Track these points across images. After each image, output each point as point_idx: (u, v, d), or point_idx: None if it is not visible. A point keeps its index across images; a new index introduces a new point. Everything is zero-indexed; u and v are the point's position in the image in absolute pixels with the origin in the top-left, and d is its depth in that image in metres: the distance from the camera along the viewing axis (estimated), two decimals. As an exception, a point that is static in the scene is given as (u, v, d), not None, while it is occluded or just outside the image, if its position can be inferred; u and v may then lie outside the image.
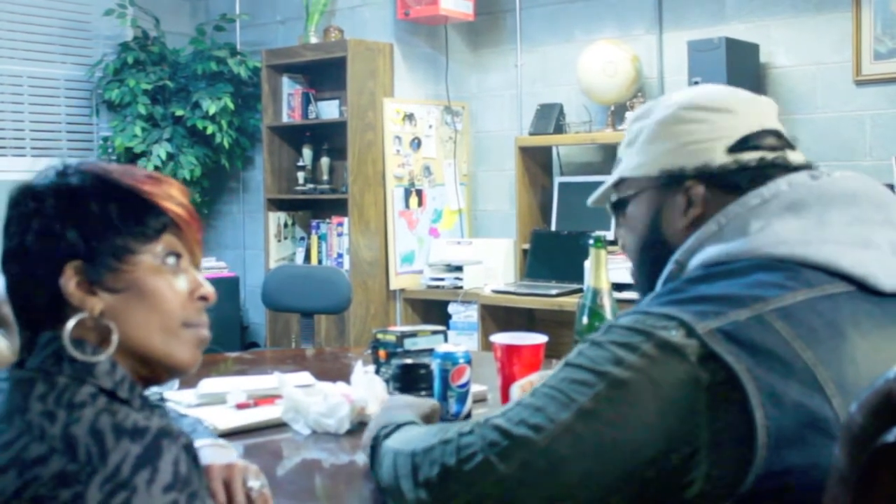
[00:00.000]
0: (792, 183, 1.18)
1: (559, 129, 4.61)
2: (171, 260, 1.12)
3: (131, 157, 5.24)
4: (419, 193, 5.07)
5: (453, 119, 5.17)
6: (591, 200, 1.44)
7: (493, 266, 4.76)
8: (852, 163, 4.00)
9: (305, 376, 2.18)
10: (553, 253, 4.58)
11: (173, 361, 1.14)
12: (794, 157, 1.25)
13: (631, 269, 1.36)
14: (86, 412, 0.99)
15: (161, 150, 5.19)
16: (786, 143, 1.26)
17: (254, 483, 1.34)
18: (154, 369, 1.13)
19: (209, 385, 2.09)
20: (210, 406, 1.99)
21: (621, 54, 4.37)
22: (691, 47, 4.02)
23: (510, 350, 1.86)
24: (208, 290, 1.16)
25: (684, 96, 1.29)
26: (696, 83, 3.97)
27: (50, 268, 1.07)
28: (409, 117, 5.03)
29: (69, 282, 1.06)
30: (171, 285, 1.12)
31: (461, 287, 4.67)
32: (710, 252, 1.16)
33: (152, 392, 2.02)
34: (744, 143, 1.23)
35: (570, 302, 4.15)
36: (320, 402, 1.87)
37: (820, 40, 4.10)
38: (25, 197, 1.09)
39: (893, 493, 0.88)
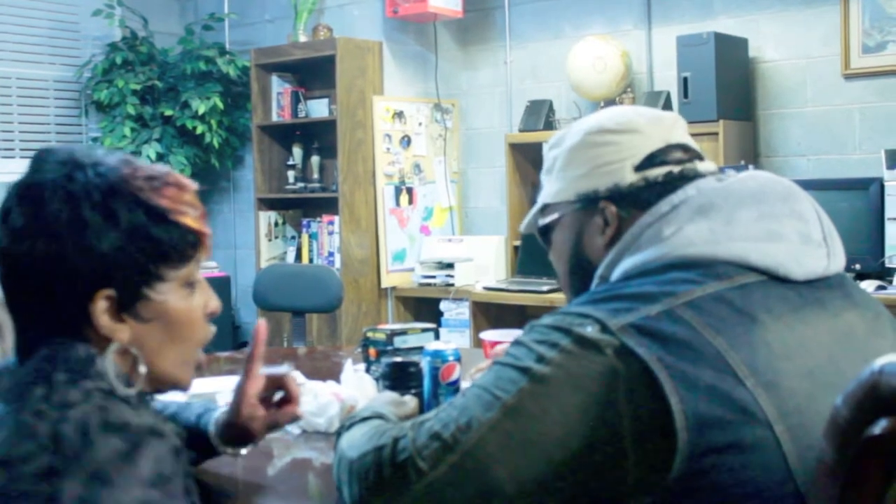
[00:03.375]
0: (700, 188, 1.23)
1: (549, 125, 4.61)
2: (192, 282, 1.12)
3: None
4: (410, 191, 5.07)
5: (443, 116, 5.17)
6: (522, 227, 1.49)
7: (485, 263, 4.76)
8: (841, 156, 4.01)
9: (296, 375, 2.17)
10: (543, 250, 4.57)
11: (181, 383, 1.16)
12: (704, 166, 1.30)
13: (564, 293, 1.41)
14: (76, 411, 0.98)
15: (151, 151, 5.17)
16: (694, 155, 1.30)
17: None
18: (156, 386, 1.14)
19: (200, 385, 2.08)
20: (200, 406, 1.99)
21: (610, 50, 4.37)
22: (680, 42, 4.02)
23: (497, 345, 1.86)
24: (217, 303, 1.17)
25: (591, 122, 1.34)
26: (686, 78, 3.98)
27: (79, 287, 1.04)
28: (399, 115, 5.03)
29: (100, 311, 1.05)
30: (193, 309, 1.12)
31: (452, 284, 4.67)
32: (629, 262, 1.21)
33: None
34: (651, 161, 1.28)
35: (562, 298, 4.14)
36: (310, 400, 1.87)
37: (809, 34, 4.11)
38: (55, 200, 1.04)
39: (882, 484, 0.89)
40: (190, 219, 1.11)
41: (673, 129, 1.31)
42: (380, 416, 1.33)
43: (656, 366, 1.03)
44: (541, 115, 4.63)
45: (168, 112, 5.27)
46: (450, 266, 4.73)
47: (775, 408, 1.04)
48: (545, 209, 1.38)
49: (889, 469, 0.89)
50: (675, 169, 1.27)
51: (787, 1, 4.16)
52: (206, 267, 5.36)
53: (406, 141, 5.05)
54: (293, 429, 1.84)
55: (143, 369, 1.07)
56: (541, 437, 1.05)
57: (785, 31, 4.17)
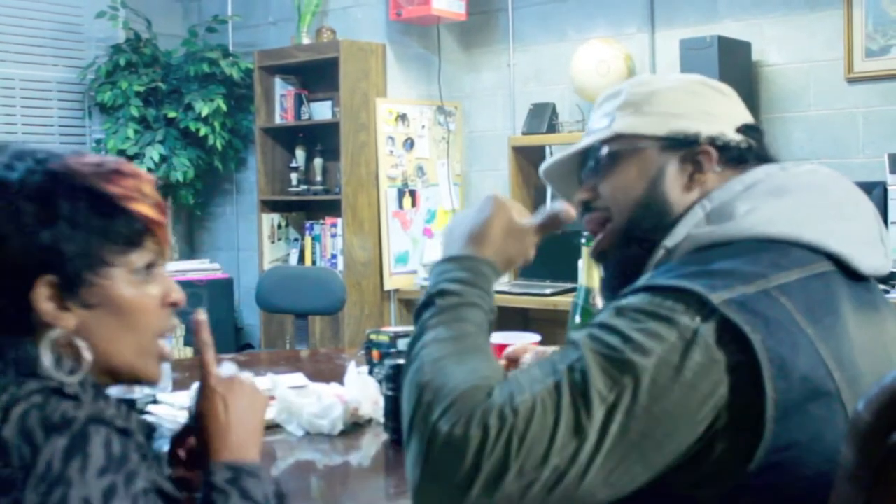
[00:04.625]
0: (768, 172, 1.22)
1: (552, 128, 4.61)
2: (144, 269, 1.10)
3: (124, 159, 5.22)
4: (413, 194, 5.07)
5: (446, 119, 5.17)
6: (570, 152, 1.36)
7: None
8: (845, 160, 4.01)
9: (299, 377, 2.18)
10: (547, 252, 4.54)
11: (140, 374, 1.13)
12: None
13: (609, 226, 1.29)
14: (16, 410, 0.97)
15: (154, 152, 5.18)
16: (763, 138, 1.30)
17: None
18: (117, 378, 1.12)
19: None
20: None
21: (614, 53, 4.37)
22: (683, 46, 4.02)
23: (503, 350, 1.86)
24: (179, 295, 1.14)
25: (689, 75, 1.33)
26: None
27: (19, 278, 1.03)
28: (402, 117, 5.03)
29: (41, 298, 1.03)
30: (146, 296, 1.10)
31: (455, 287, 4.65)
32: (699, 236, 1.17)
33: (145, 395, 2.02)
34: (747, 129, 1.27)
35: (565, 301, 4.15)
36: (314, 403, 1.87)
37: (812, 38, 4.11)
38: None
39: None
40: (139, 205, 1.09)
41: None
42: (473, 305, 1.16)
43: (759, 347, 0.99)
44: (544, 118, 4.62)
45: (171, 114, 5.28)
46: (452, 269, 4.71)
47: (854, 405, 0.99)
48: (614, 139, 1.29)
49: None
50: (758, 146, 1.27)
51: (791, 5, 4.16)
52: (209, 268, 5.38)
53: (409, 143, 5.05)
54: (297, 430, 1.84)
55: (87, 356, 1.05)
56: (641, 437, 0.98)
57: (788, 34, 4.16)
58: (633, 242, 1.26)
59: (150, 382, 1.15)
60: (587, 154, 1.34)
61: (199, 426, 1.17)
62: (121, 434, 0.99)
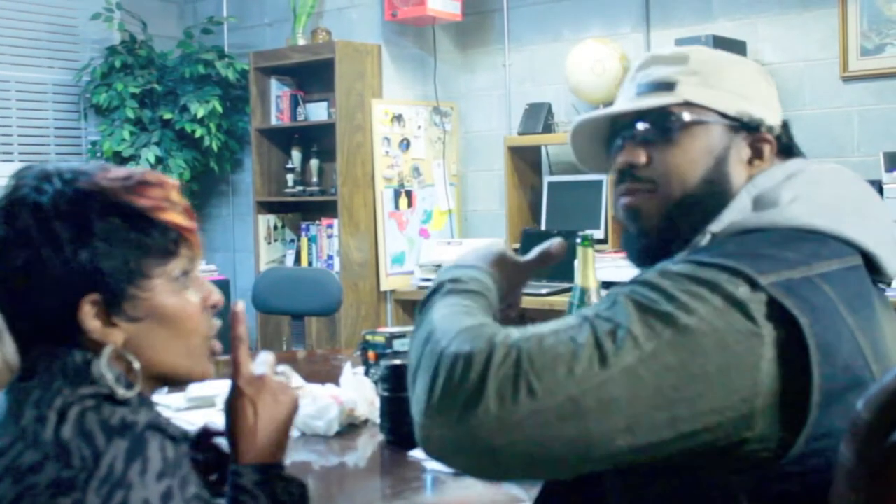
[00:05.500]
0: (803, 164, 1.23)
1: (548, 128, 4.61)
2: (183, 275, 1.12)
3: (120, 161, 5.22)
4: (409, 194, 5.07)
5: (442, 119, 5.17)
6: (626, 108, 1.27)
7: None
8: (840, 158, 4.01)
9: (295, 378, 2.17)
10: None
11: (195, 377, 1.16)
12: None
13: (658, 195, 1.23)
14: (72, 412, 0.99)
15: (150, 154, 5.17)
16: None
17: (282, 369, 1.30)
18: (169, 383, 1.15)
19: (199, 388, 2.08)
20: (199, 409, 1.99)
21: (609, 53, 4.37)
22: (679, 45, 4.02)
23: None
24: (218, 296, 1.18)
25: (745, 58, 1.34)
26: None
27: (64, 298, 1.05)
28: (398, 118, 5.03)
29: (87, 317, 1.05)
30: (188, 302, 1.13)
31: (452, 287, 4.66)
32: (747, 222, 1.16)
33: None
34: (787, 125, 1.29)
35: (561, 301, 4.15)
36: (309, 404, 1.87)
37: (807, 37, 4.11)
38: (25, 214, 1.05)
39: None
40: (170, 214, 1.11)
41: None
42: (482, 293, 1.16)
43: (808, 332, 0.97)
44: (539, 117, 4.63)
45: (167, 115, 5.27)
46: (449, 269, 4.72)
47: None
48: (685, 106, 1.23)
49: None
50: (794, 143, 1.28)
51: (786, 4, 4.16)
52: (206, 270, 5.37)
53: (405, 144, 5.05)
54: (292, 431, 1.84)
55: (136, 366, 1.07)
56: (672, 390, 0.94)
57: (783, 33, 4.17)
58: (682, 215, 1.21)
59: (202, 379, 1.18)
60: (636, 116, 1.25)
61: (228, 424, 1.18)
62: (173, 441, 1.02)
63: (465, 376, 0.93)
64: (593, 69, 4.37)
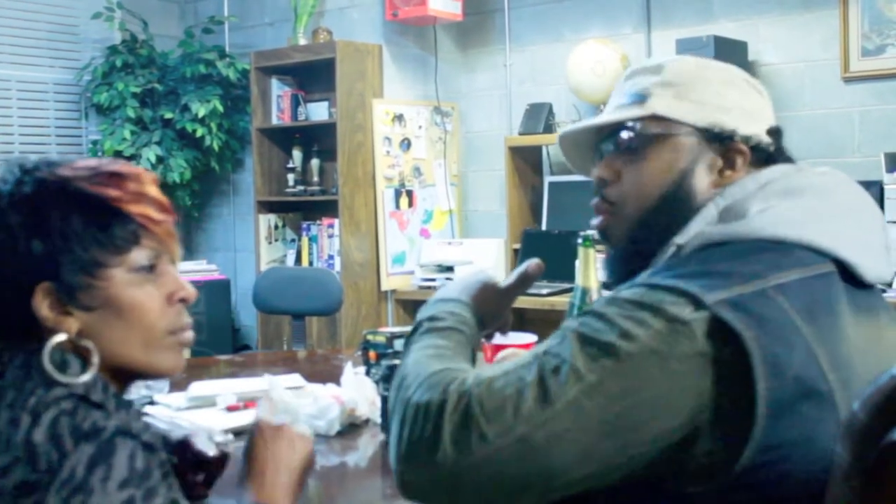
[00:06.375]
0: (783, 171, 1.21)
1: (549, 128, 4.61)
2: (146, 268, 1.11)
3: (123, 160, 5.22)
4: (409, 194, 5.07)
5: (443, 119, 5.17)
6: (597, 121, 1.30)
7: (484, 266, 4.75)
8: (841, 159, 4.01)
9: (296, 378, 2.18)
10: (544, 252, 4.54)
11: (157, 370, 1.14)
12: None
13: (623, 212, 1.25)
14: (46, 415, 0.98)
15: (150, 154, 5.17)
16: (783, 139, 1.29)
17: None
18: (135, 377, 1.13)
19: (199, 388, 2.08)
20: (200, 409, 1.99)
21: (610, 53, 4.37)
22: (680, 46, 4.02)
23: (500, 350, 1.85)
24: (189, 290, 1.15)
25: (729, 66, 1.31)
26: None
27: (19, 288, 1.04)
28: (399, 118, 5.03)
29: (41, 305, 1.05)
30: (149, 295, 1.11)
31: (452, 287, 4.66)
32: (711, 233, 1.16)
33: (142, 396, 2.02)
34: (777, 132, 1.26)
35: (562, 301, 4.15)
36: (311, 403, 1.87)
37: (808, 38, 4.11)
38: None
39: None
40: (135, 206, 1.10)
41: None
42: (458, 329, 1.21)
43: (752, 345, 0.98)
44: (540, 118, 4.63)
45: (168, 115, 5.28)
46: (450, 269, 4.72)
47: (847, 407, 0.99)
48: (652, 120, 1.24)
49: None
50: (778, 148, 1.26)
51: (787, 4, 4.16)
52: (206, 269, 5.38)
53: (406, 144, 5.05)
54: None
55: (95, 357, 1.06)
56: (618, 418, 0.98)
57: (784, 34, 4.17)
58: (645, 234, 1.22)
59: (168, 375, 1.17)
60: (614, 128, 1.27)
61: (244, 460, 1.27)
62: (146, 449, 1.00)
63: (424, 426, 1.01)
64: (594, 70, 4.37)
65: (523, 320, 4.68)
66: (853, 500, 0.91)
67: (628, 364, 0.99)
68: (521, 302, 4.39)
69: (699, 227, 1.18)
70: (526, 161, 4.78)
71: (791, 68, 4.14)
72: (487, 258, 4.77)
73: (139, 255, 1.10)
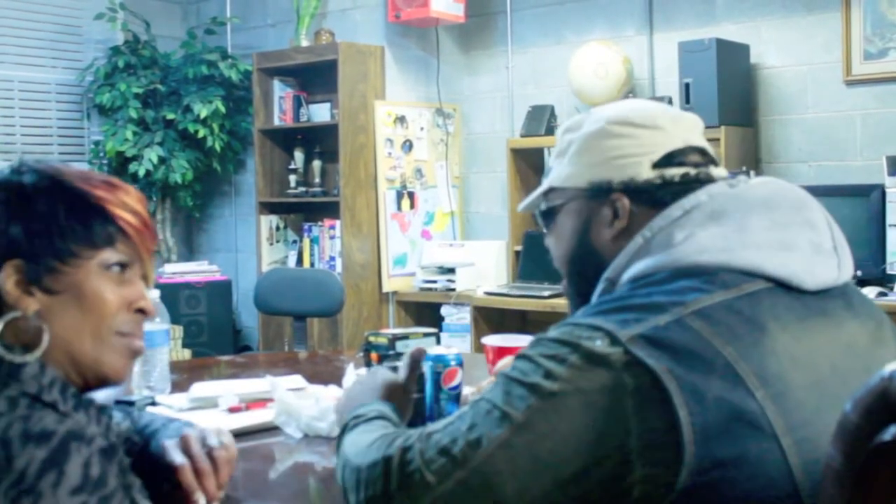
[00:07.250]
0: (711, 193, 1.22)
1: (550, 130, 4.61)
2: (116, 269, 1.13)
3: (123, 161, 5.24)
4: (411, 196, 5.07)
5: (445, 121, 5.17)
6: (521, 207, 1.48)
7: (486, 268, 4.76)
8: (843, 162, 4.01)
9: (297, 379, 2.18)
10: (545, 254, 4.51)
11: (102, 368, 1.13)
12: (717, 172, 1.28)
13: (562, 280, 1.41)
14: (1, 421, 0.98)
15: (152, 154, 5.18)
16: (709, 160, 1.29)
17: (213, 441, 1.31)
18: (84, 375, 1.12)
19: (201, 389, 2.08)
20: (202, 410, 1.99)
21: (612, 56, 4.38)
22: (682, 48, 4.03)
23: (502, 352, 1.86)
24: (148, 304, 1.16)
25: (613, 111, 1.32)
26: (687, 84, 3.98)
27: None
28: (401, 119, 5.03)
29: (7, 280, 1.07)
30: (111, 292, 1.12)
31: (454, 289, 4.67)
32: (639, 267, 1.19)
33: (143, 397, 2.02)
34: (669, 159, 1.26)
35: (563, 303, 4.14)
36: (312, 405, 1.87)
37: (810, 41, 4.11)
38: None
39: (892, 491, 0.89)
40: (116, 209, 1.13)
41: (693, 130, 1.30)
42: (383, 417, 1.31)
43: (666, 377, 1.02)
44: (542, 120, 4.63)
45: (170, 116, 5.28)
46: (451, 271, 4.73)
47: (783, 420, 1.02)
48: (550, 192, 1.35)
49: (899, 475, 0.88)
50: (692, 171, 1.25)
51: (789, 7, 4.16)
52: (208, 270, 5.38)
53: (408, 145, 5.05)
54: (295, 433, 1.84)
55: (45, 340, 1.07)
56: (550, 454, 1.04)
57: (786, 37, 4.17)
58: (577, 290, 1.36)
59: (112, 377, 1.15)
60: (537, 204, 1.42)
61: None
62: (103, 454, 1.00)
63: (375, 483, 1.12)
64: (596, 72, 4.37)
65: (525, 321, 4.68)
66: (845, 501, 0.92)
67: (552, 402, 1.05)
68: (523, 304, 4.39)
69: (624, 260, 1.23)
70: (528, 163, 4.78)
71: (793, 71, 4.15)
72: (488, 260, 4.78)
73: (112, 255, 1.12)
